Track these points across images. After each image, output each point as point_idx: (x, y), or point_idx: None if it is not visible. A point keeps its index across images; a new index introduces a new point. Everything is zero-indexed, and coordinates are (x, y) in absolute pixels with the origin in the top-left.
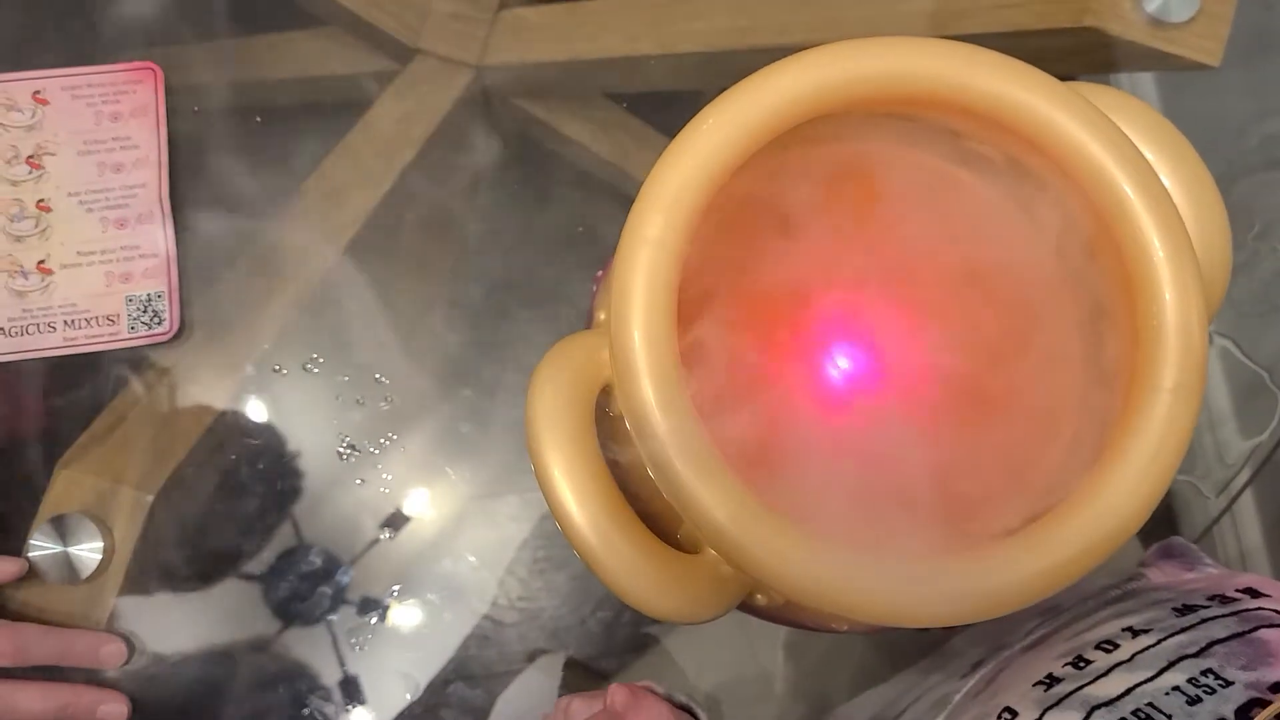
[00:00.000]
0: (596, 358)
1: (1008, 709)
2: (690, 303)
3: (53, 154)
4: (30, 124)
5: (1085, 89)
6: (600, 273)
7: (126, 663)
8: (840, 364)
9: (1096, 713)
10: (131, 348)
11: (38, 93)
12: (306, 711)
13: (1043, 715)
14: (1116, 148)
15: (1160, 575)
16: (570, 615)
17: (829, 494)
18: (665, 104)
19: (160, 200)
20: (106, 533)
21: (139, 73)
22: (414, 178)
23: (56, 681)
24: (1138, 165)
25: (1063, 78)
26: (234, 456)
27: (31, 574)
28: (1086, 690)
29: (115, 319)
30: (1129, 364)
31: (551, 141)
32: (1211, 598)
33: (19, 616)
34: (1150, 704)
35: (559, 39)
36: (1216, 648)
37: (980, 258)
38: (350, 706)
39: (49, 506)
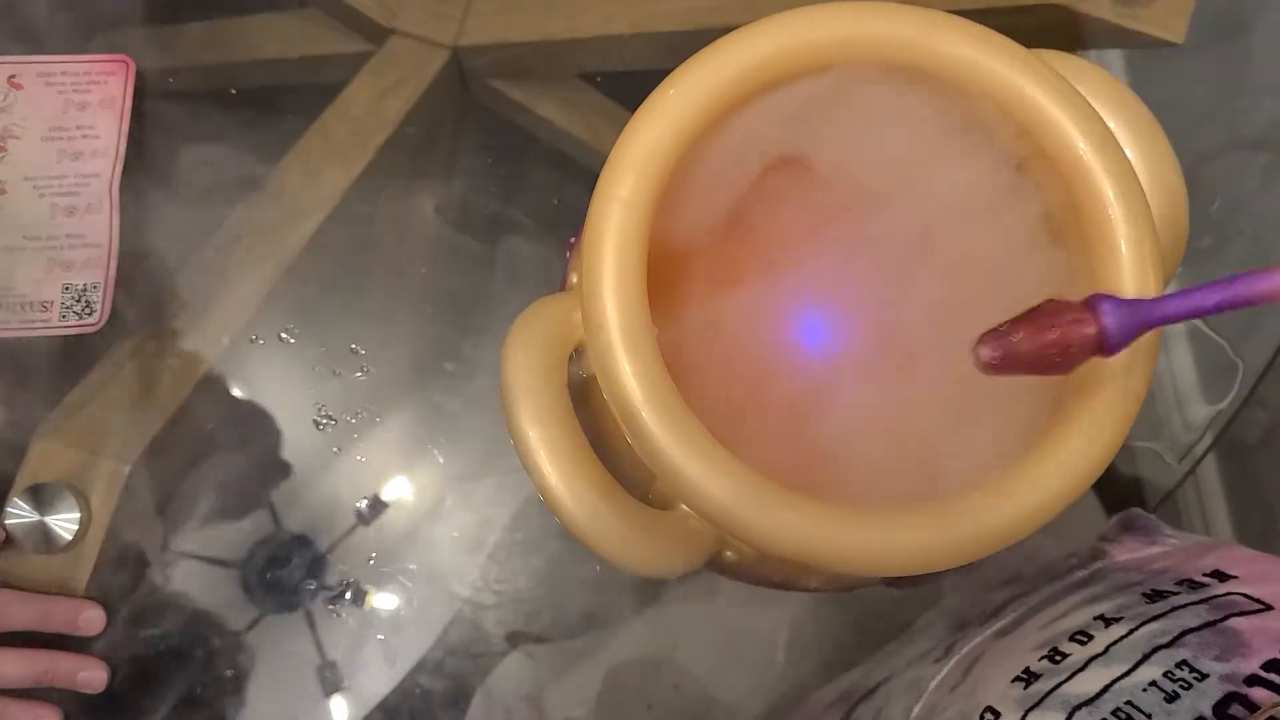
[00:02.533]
0: (569, 319)
1: (990, 709)
2: (661, 262)
3: (18, 138)
4: (1, 107)
5: (1047, 55)
6: (573, 239)
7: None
8: (807, 324)
9: (1078, 714)
10: (58, 336)
11: (13, 77)
12: (284, 688)
13: (1024, 717)
14: (1076, 111)
15: (1123, 552)
16: (548, 597)
17: (796, 448)
18: (639, 84)
19: (110, 192)
20: (83, 503)
21: (112, 65)
22: (389, 157)
23: (35, 648)
24: (1096, 129)
25: None
26: (211, 427)
27: (8, 543)
28: (1065, 688)
29: (48, 306)
30: None
31: (526, 122)
32: (1180, 582)
33: None
34: (1129, 702)
35: (535, 19)
36: (1189, 637)
37: (945, 222)
38: (327, 681)
39: (25, 477)
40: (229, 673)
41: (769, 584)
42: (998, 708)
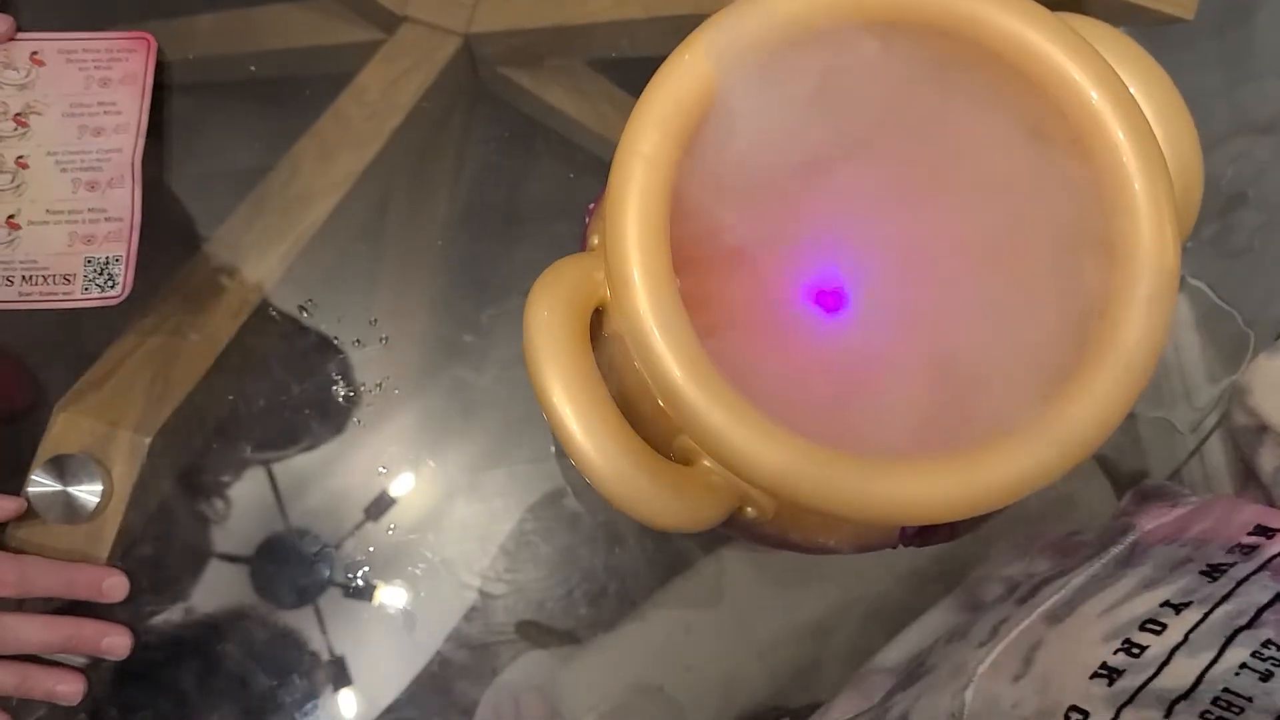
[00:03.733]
0: (591, 277)
1: (1075, 708)
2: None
3: (40, 114)
4: (23, 83)
5: (1069, 18)
6: (592, 205)
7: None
8: (829, 276)
9: (1178, 708)
10: (82, 308)
11: (35, 54)
12: (293, 683)
13: (1118, 715)
14: (1095, 70)
15: (1149, 519)
16: (557, 587)
17: (821, 398)
18: (649, 71)
19: (132, 166)
20: (105, 474)
21: (134, 42)
22: (403, 139)
23: (60, 614)
24: (1115, 88)
25: None
26: (231, 398)
27: (30, 513)
28: (1156, 683)
29: (71, 279)
30: (1105, 283)
31: (536, 108)
32: (1230, 549)
33: None
34: (1226, 689)
35: (547, 5)
36: (1266, 615)
37: (965, 184)
38: (336, 676)
39: (47, 447)
40: (238, 668)
41: (788, 545)
42: (1084, 707)
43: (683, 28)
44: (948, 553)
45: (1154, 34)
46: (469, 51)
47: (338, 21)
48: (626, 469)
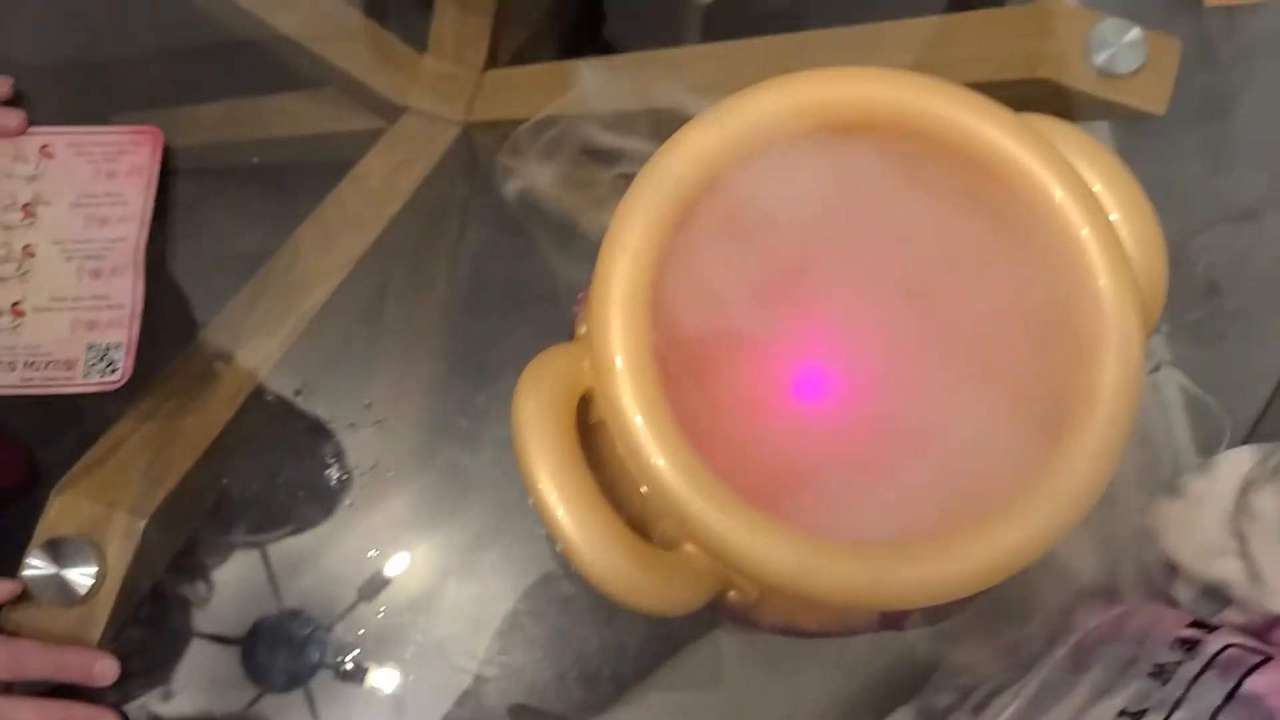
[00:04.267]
0: (577, 367)
1: None
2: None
3: (48, 204)
4: (33, 175)
5: (1031, 119)
6: (581, 295)
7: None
8: (805, 366)
9: None
10: (82, 394)
11: (45, 147)
12: None
13: None
14: (1057, 171)
15: (1088, 618)
16: (550, 669)
17: (805, 485)
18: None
19: (136, 255)
20: (99, 556)
21: (141, 135)
22: (402, 224)
23: (51, 697)
24: (1077, 187)
25: None
26: (225, 481)
27: (25, 595)
28: None
29: (72, 364)
30: (1074, 374)
31: (532, 196)
32: (1173, 645)
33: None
34: None
35: (544, 96)
36: (1221, 717)
37: (943, 280)
38: None
39: (44, 530)
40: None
41: (771, 627)
42: None
43: (675, 120)
44: (935, 635)
45: (1134, 125)
46: (468, 140)
47: (340, 110)
48: (611, 556)
